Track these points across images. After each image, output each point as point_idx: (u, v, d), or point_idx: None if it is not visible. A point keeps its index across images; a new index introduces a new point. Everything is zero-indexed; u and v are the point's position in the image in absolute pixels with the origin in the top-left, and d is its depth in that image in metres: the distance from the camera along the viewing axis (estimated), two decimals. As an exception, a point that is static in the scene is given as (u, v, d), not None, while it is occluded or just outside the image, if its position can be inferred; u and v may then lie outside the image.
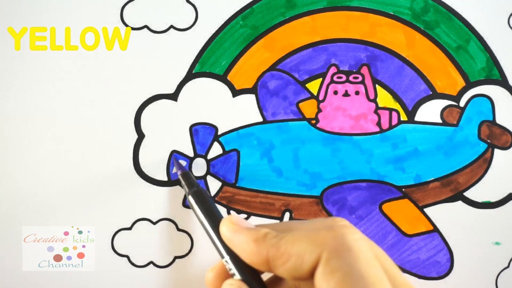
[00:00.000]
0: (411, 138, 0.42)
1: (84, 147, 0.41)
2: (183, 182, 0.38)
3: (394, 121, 0.42)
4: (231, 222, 0.31)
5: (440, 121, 0.43)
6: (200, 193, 0.35)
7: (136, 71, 0.42)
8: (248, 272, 0.30)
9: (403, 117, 0.43)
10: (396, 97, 0.43)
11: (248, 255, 0.29)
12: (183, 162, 0.41)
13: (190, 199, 0.35)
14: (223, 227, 0.31)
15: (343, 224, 0.28)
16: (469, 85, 0.43)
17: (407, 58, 0.43)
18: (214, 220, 0.33)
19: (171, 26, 0.42)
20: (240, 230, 0.30)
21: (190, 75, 0.42)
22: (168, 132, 0.42)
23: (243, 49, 0.42)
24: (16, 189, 0.41)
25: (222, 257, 0.31)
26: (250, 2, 0.42)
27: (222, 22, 0.42)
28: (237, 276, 0.30)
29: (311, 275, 0.26)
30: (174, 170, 0.41)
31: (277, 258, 0.27)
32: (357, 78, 0.42)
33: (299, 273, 0.27)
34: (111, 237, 0.41)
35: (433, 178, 0.42)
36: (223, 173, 0.42)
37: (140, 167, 0.41)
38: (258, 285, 0.30)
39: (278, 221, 0.42)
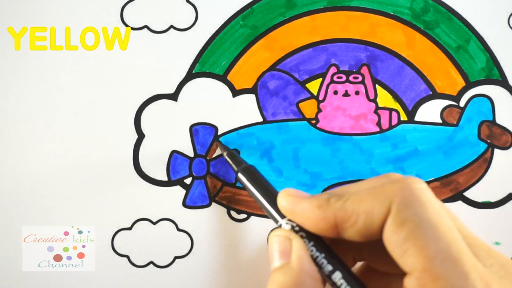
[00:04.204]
0: (411, 138, 0.42)
1: (84, 147, 0.41)
2: (230, 161, 0.38)
3: (394, 121, 0.42)
4: (288, 194, 0.30)
5: (440, 121, 0.43)
6: (249, 169, 0.36)
7: (136, 71, 0.42)
8: (313, 238, 0.29)
9: (403, 117, 0.43)
10: (396, 97, 0.43)
11: (313, 223, 0.28)
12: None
13: (241, 176, 0.36)
14: (282, 201, 0.30)
15: (404, 176, 0.27)
16: (469, 85, 0.43)
17: (407, 58, 0.43)
18: (269, 194, 0.33)
19: (171, 26, 0.42)
20: (300, 200, 0.29)
21: (190, 75, 0.42)
22: (168, 132, 0.42)
23: (243, 49, 0.42)
24: (16, 189, 0.41)
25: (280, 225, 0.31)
26: (250, 2, 0.42)
27: (222, 22, 0.42)
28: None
29: (381, 231, 0.26)
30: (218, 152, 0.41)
31: (345, 220, 0.26)
32: (357, 78, 0.42)
33: (370, 231, 0.26)
34: (111, 237, 0.41)
35: (433, 178, 0.42)
36: (223, 173, 0.42)
37: (140, 167, 0.41)
38: (324, 248, 0.29)
39: None
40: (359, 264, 0.33)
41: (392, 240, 0.25)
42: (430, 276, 0.23)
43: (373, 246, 0.29)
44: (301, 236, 0.29)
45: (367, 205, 0.26)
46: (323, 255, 0.28)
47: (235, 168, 0.37)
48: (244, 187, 0.35)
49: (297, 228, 0.29)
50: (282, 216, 0.31)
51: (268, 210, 0.32)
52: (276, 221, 0.31)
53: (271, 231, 0.31)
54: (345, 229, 0.27)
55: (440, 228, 0.24)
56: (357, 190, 0.28)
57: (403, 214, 0.25)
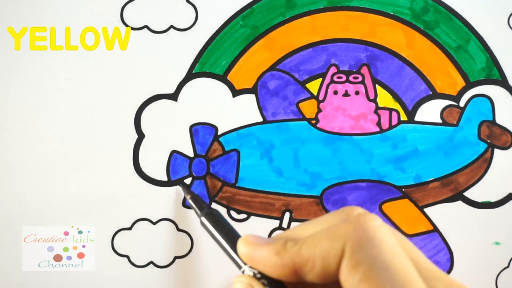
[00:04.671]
0: (411, 138, 0.42)
1: (84, 147, 0.41)
2: (193, 206, 0.38)
3: (394, 121, 0.42)
4: (247, 242, 0.30)
5: (440, 121, 0.43)
6: (213, 214, 0.35)
7: (136, 71, 0.42)
8: (275, 285, 0.29)
9: (403, 117, 0.43)
10: (396, 97, 0.43)
11: (273, 270, 0.28)
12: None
13: (204, 220, 0.35)
14: (241, 248, 0.30)
15: (359, 212, 0.27)
16: (469, 85, 0.43)
17: (407, 58, 0.43)
18: (232, 240, 0.32)
19: (171, 26, 0.42)
20: (258, 247, 0.29)
21: (190, 75, 0.42)
22: (168, 132, 0.42)
23: (243, 49, 0.42)
24: (16, 189, 0.41)
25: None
26: (250, 2, 0.42)
27: (222, 22, 0.42)
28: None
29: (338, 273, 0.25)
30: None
31: (303, 266, 0.26)
32: (357, 78, 0.42)
33: (329, 274, 0.26)
34: (111, 237, 0.41)
35: (433, 178, 0.42)
36: (223, 173, 0.42)
37: (140, 167, 0.41)
38: None
39: (278, 221, 0.42)
40: None
41: (348, 282, 0.25)
42: None
43: (336, 285, 0.28)
44: (263, 284, 0.29)
45: (322, 248, 0.26)
46: None
47: (198, 213, 0.36)
48: (207, 232, 0.35)
49: (259, 275, 0.29)
50: (245, 262, 0.30)
51: (231, 256, 0.32)
52: (239, 267, 0.31)
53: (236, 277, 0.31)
54: (305, 273, 0.27)
55: (394, 269, 0.24)
56: (314, 232, 0.27)
57: (356, 256, 0.24)
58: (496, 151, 0.43)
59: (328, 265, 0.26)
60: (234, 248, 0.32)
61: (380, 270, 0.24)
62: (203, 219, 0.35)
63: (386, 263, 0.24)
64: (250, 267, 0.30)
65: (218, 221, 0.35)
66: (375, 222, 0.26)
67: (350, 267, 0.24)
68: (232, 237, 0.33)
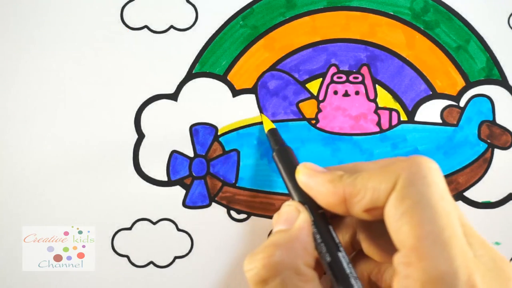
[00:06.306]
0: (411, 138, 0.42)
1: (84, 147, 0.41)
2: (270, 139, 0.40)
3: (394, 121, 0.42)
4: (305, 167, 0.31)
5: (440, 121, 0.43)
6: (284, 151, 0.37)
7: (136, 71, 0.42)
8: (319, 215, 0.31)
9: (403, 117, 0.43)
10: (396, 97, 0.43)
11: (325, 197, 0.29)
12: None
13: (275, 156, 0.37)
14: (299, 174, 0.32)
15: (419, 155, 0.27)
16: (469, 85, 0.43)
17: (407, 58, 0.43)
18: (291, 169, 0.34)
19: (171, 26, 0.42)
20: (315, 174, 0.30)
21: (190, 75, 0.42)
22: (168, 132, 0.42)
23: (243, 49, 0.42)
24: (16, 189, 0.41)
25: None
26: (250, 2, 0.42)
27: (222, 22, 0.42)
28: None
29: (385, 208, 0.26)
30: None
31: (354, 196, 0.27)
32: (357, 78, 0.42)
33: (376, 207, 0.26)
34: (111, 237, 0.41)
35: (433, 178, 0.42)
36: (223, 173, 0.42)
37: (140, 167, 0.41)
38: (324, 226, 0.30)
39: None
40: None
41: (391, 214, 0.25)
42: (417, 254, 0.23)
43: (373, 234, 0.30)
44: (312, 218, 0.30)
45: (375, 181, 0.26)
46: (319, 237, 0.30)
47: (273, 148, 0.38)
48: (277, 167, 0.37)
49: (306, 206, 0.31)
50: (300, 199, 0.32)
51: (288, 188, 0.34)
52: (293, 198, 0.33)
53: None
54: (353, 204, 0.27)
55: (438, 210, 0.24)
56: (371, 168, 0.29)
57: (406, 190, 0.25)
58: (496, 151, 0.43)
59: (377, 197, 0.26)
60: (293, 177, 0.33)
61: (424, 207, 0.24)
62: (274, 154, 0.37)
63: (432, 203, 0.24)
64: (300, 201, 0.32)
65: (287, 158, 0.36)
66: (431, 164, 0.26)
67: (397, 199, 0.25)
68: (293, 168, 0.34)
